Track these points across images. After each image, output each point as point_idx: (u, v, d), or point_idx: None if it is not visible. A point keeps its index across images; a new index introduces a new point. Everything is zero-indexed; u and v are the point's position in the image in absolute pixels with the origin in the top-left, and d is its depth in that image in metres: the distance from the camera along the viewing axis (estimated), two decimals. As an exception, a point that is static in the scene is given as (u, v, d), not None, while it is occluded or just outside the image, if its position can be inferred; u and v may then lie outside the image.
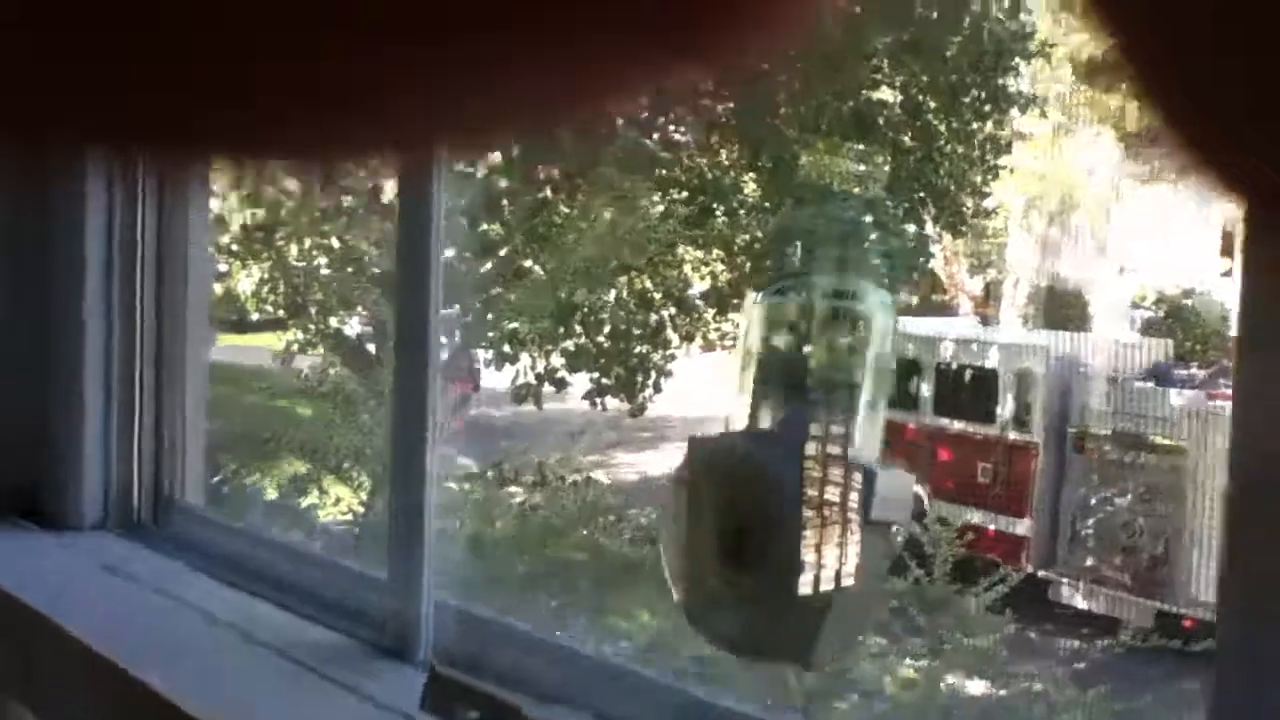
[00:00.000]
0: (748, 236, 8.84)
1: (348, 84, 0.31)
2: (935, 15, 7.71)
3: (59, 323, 2.10)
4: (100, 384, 2.12)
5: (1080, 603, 10.03)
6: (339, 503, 5.45)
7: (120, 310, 2.12)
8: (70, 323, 2.12)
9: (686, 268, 9.17)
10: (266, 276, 7.82)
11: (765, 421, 2.05)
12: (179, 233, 2.14)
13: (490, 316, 8.20)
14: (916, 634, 6.62)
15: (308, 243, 7.77)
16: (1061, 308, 12.19)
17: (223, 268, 7.86)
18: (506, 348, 8.21)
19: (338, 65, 0.31)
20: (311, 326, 8.29)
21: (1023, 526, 10.27)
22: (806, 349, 2.11)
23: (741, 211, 8.60)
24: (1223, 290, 12.01)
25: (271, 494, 5.59)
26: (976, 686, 7.75)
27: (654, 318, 8.56)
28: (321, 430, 5.57)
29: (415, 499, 1.87)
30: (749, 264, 9.11)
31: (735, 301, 9.65)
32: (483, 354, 8.60)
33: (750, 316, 2.12)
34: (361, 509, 5.46)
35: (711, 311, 9.64)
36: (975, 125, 8.81)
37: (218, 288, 7.91)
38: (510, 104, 0.33)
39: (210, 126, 0.33)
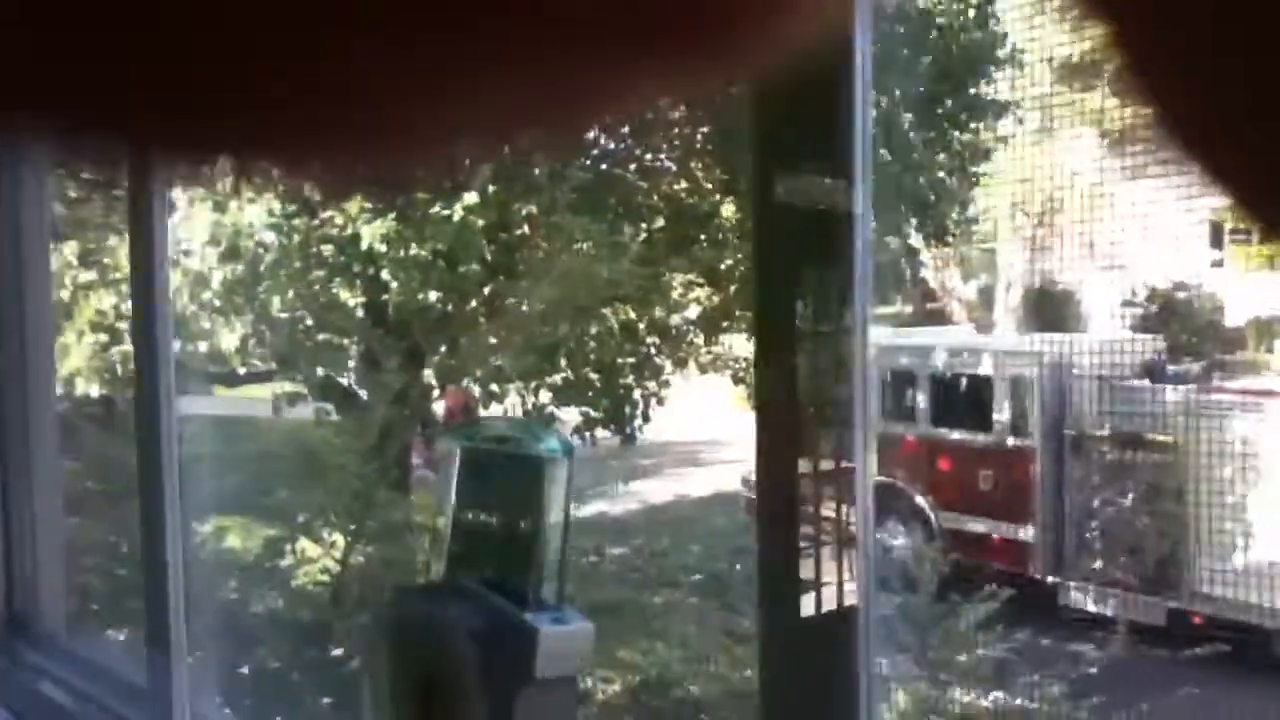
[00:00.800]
0: (731, 260, 8.82)
1: (348, 83, 0.31)
2: (902, 30, 7.70)
3: None
4: None
5: (1091, 606, 9.97)
6: (315, 562, 5.41)
7: None
8: None
9: (674, 294, 9.15)
10: (250, 330, 7.81)
11: (459, 568, 2.06)
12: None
13: (474, 356, 8.18)
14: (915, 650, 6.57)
15: (290, 294, 7.76)
16: (1054, 309, 12.15)
17: (206, 324, 7.84)
18: (494, 386, 8.18)
19: (338, 64, 0.30)
20: (299, 377, 8.28)
21: (1027, 533, 10.22)
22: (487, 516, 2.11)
23: (721, 236, 8.59)
24: (1214, 282, 11.97)
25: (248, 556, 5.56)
26: (989, 699, 7.68)
27: (640, 348, 8.54)
28: (295, 491, 5.55)
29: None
30: (734, 288, 9.09)
31: (725, 324, 9.63)
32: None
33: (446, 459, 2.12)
34: (337, 566, 5.43)
35: (701, 336, 9.62)
36: (953, 134, 8.80)
37: (203, 345, 7.90)
38: (523, 103, 0.33)
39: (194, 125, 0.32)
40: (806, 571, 2.82)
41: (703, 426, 14.39)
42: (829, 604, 2.80)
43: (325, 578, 5.31)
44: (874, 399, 10.43)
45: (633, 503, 12.47)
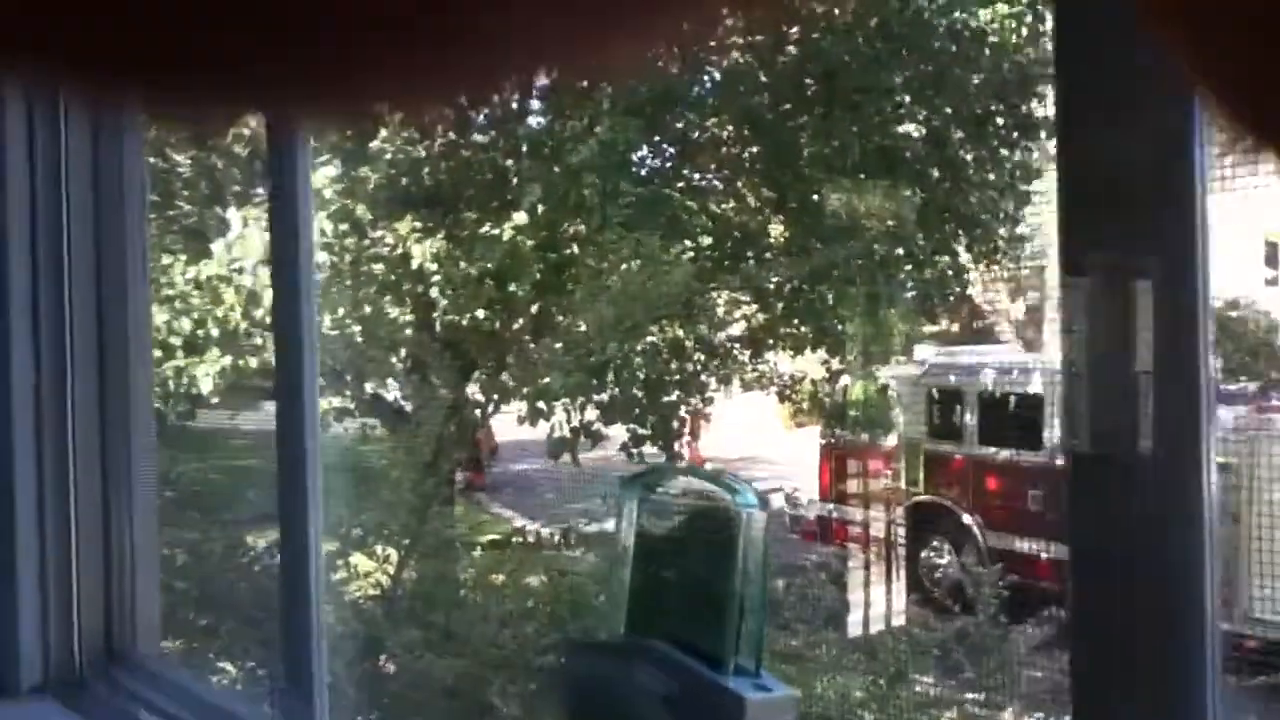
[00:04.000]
0: (778, 278, 8.81)
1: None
2: (954, 48, 7.67)
3: None
4: (32, 518, 1.78)
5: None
6: (367, 576, 5.43)
7: (51, 419, 1.83)
8: None
9: (720, 311, 9.15)
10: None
11: (640, 625, 1.95)
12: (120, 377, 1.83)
13: (521, 373, 8.21)
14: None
15: (340, 312, 7.83)
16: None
17: (258, 340, 7.92)
18: (540, 404, 8.21)
19: None
20: (348, 393, 8.34)
21: (1077, 553, 10.10)
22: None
23: (769, 254, 8.58)
24: (1269, 300, 11.80)
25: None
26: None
27: (687, 366, 8.54)
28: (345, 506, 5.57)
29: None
30: (780, 305, 9.08)
31: (770, 342, 9.62)
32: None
33: (622, 509, 2.02)
34: (389, 581, 5.45)
35: (747, 354, 9.62)
36: (1004, 153, 8.75)
37: (254, 361, 7.98)
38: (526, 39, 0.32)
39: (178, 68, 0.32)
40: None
41: (744, 444, 14.36)
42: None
43: (376, 591, 5.33)
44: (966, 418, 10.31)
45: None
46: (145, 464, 1.76)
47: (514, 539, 7.35)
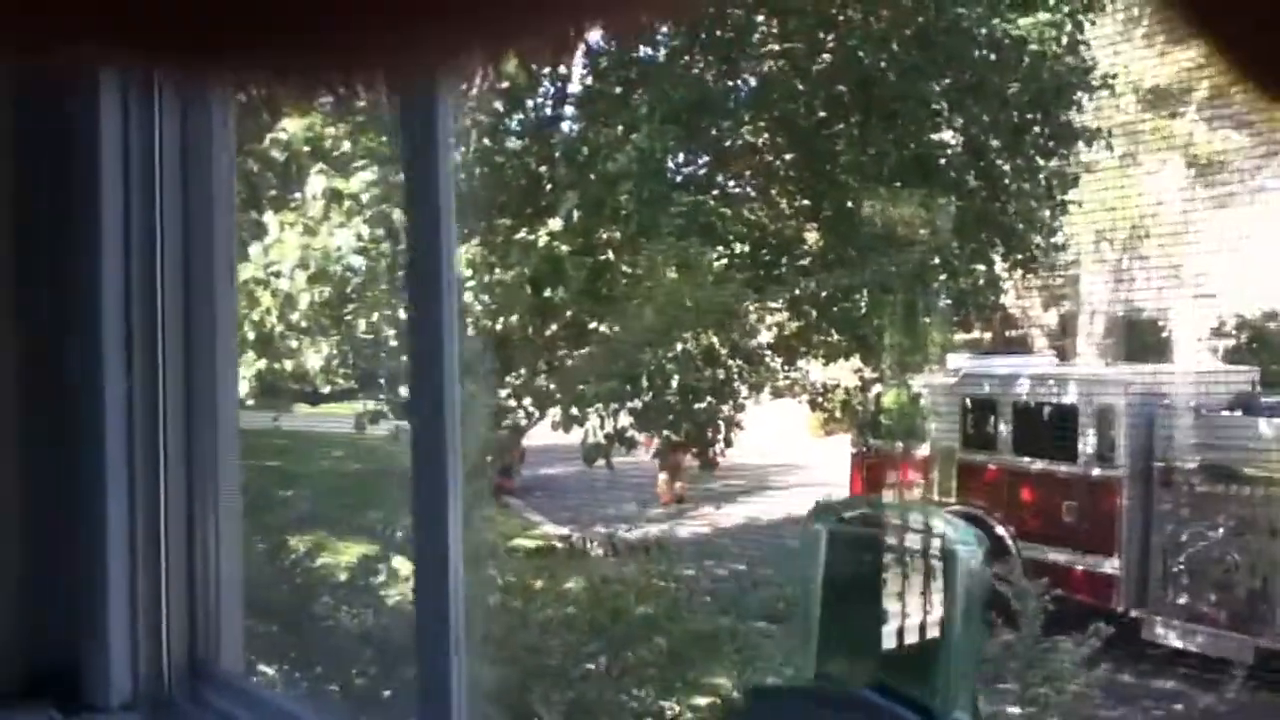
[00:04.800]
0: (812, 285, 8.78)
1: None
2: (994, 56, 7.63)
3: (81, 461, 1.76)
4: (123, 530, 1.74)
5: (1176, 642, 9.74)
6: (408, 580, 5.42)
7: (143, 439, 1.77)
8: (89, 458, 1.75)
9: (751, 318, 9.12)
10: (335, 351, 7.90)
11: (834, 668, 1.86)
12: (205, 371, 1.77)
13: (557, 380, 8.20)
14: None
15: (375, 316, 7.84)
16: (1139, 339, 11.94)
17: (293, 344, 7.95)
18: (574, 410, 8.20)
19: None
20: (381, 396, 8.36)
21: (1111, 565, 10.02)
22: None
23: (802, 262, 8.55)
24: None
25: (341, 575, 5.58)
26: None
27: (720, 373, 8.51)
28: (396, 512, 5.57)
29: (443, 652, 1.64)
30: (815, 313, 9.04)
31: (802, 350, 9.57)
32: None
33: (812, 540, 1.96)
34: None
35: (779, 361, 9.58)
36: (1040, 161, 8.69)
37: (289, 364, 8.01)
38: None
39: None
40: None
41: (774, 450, 14.32)
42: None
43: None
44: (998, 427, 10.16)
45: (702, 525, 12.41)
46: (230, 475, 1.72)
47: (554, 544, 7.32)
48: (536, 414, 8.30)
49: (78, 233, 1.71)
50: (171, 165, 1.66)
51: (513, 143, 8.56)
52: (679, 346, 8.00)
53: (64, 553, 1.77)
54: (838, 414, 10.30)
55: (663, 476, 12.43)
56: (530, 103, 8.85)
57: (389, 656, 4.89)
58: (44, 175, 1.72)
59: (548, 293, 7.66)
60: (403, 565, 5.13)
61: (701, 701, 5.37)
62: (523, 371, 8.54)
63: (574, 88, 8.82)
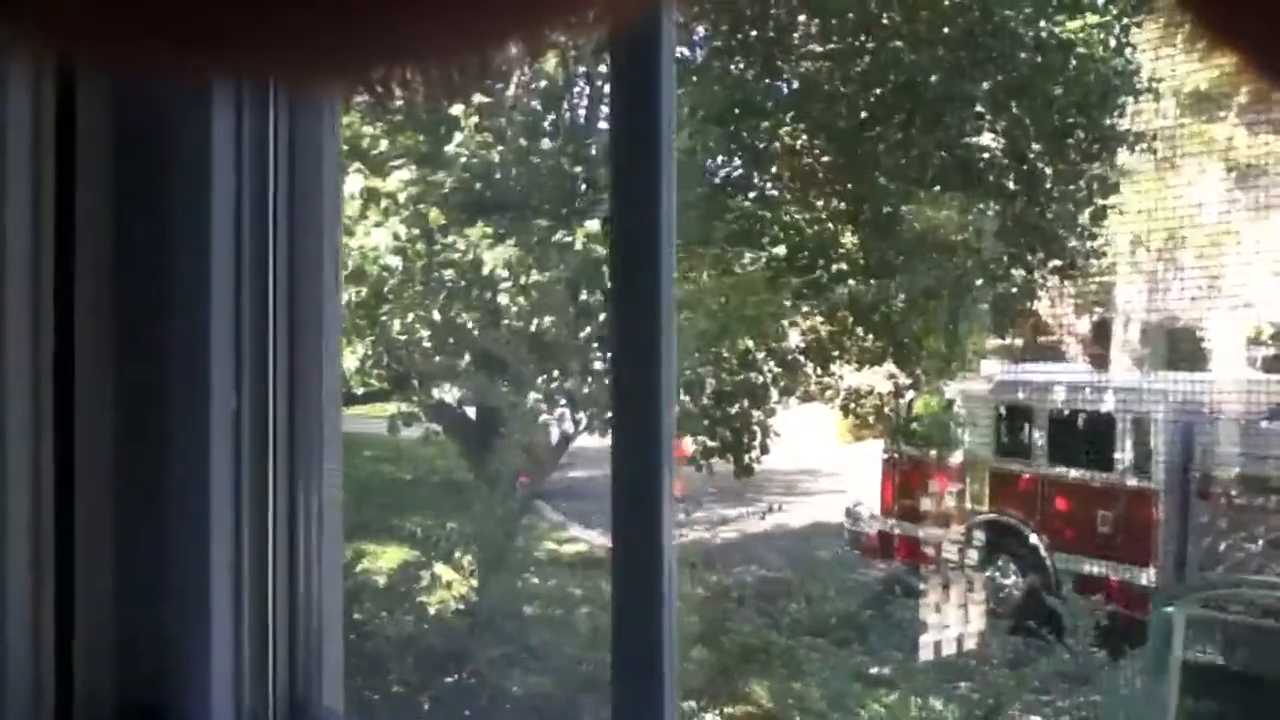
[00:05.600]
0: (850, 289, 8.67)
1: None
2: (1040, 59, 7.50)
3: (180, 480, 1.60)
4: (228, 562, 1.56)
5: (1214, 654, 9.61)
6: (450, 587, 5.33)
7: (250, 471, 1.61)
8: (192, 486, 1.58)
9: (785, 322, 9.02)
10: (369, 352, 7.82)
11: None
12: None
13: (591, 382, 8.11)
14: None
15: (410, 317, 7.75)
16: (1174, 347, 11.78)
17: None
18: (608, 414, 8.10)
19: None
20: (415, 399, 8.28)
21: (1147, 576, 9.87)
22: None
23: (839, 266, 8.44)
24: (1345, 321, 11.52)
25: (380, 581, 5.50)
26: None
27: (757, 377, 8.40)
28: (433, 517, 5.48)
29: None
30: (851, 318, 8.94)
31: (836, 354, 9.46)
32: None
33: (1164, 622, 1.83)
34: (475, 596, 5.34)
35: (812, 365, 9.47)
36: (1083, 166, 8.56)
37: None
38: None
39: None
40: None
41: (802, 456, 14.17)
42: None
43: (461, 605, 5.23)
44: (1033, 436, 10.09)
45: (730, 531, 12.29)
46: (334, 500, 1.57)
47: (595, 552, 7.22)
48: (568, 415, 8.21)
49: (182, 241, 1.59)
50: (283, 174, 1.55)
51: (547, 143, 8.47)
52: (716, 352, 7.91)
53: (160, 585, 1.63)
54: (871, 420, 10.19)
55: None
56: (565, 102, 8.76)
57: (429, 664, 4.80)
58: (144, 186, 1.60)
59: (584, 295, 7.57)
60: (445, 572, 5.04)
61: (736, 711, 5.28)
62: (558, 373, 8.45)
63: (609, 88, 8.72)
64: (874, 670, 5.91)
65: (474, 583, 5.29)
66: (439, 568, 5.05)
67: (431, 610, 5.02)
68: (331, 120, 1.60)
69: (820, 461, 14.13)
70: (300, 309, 1.59)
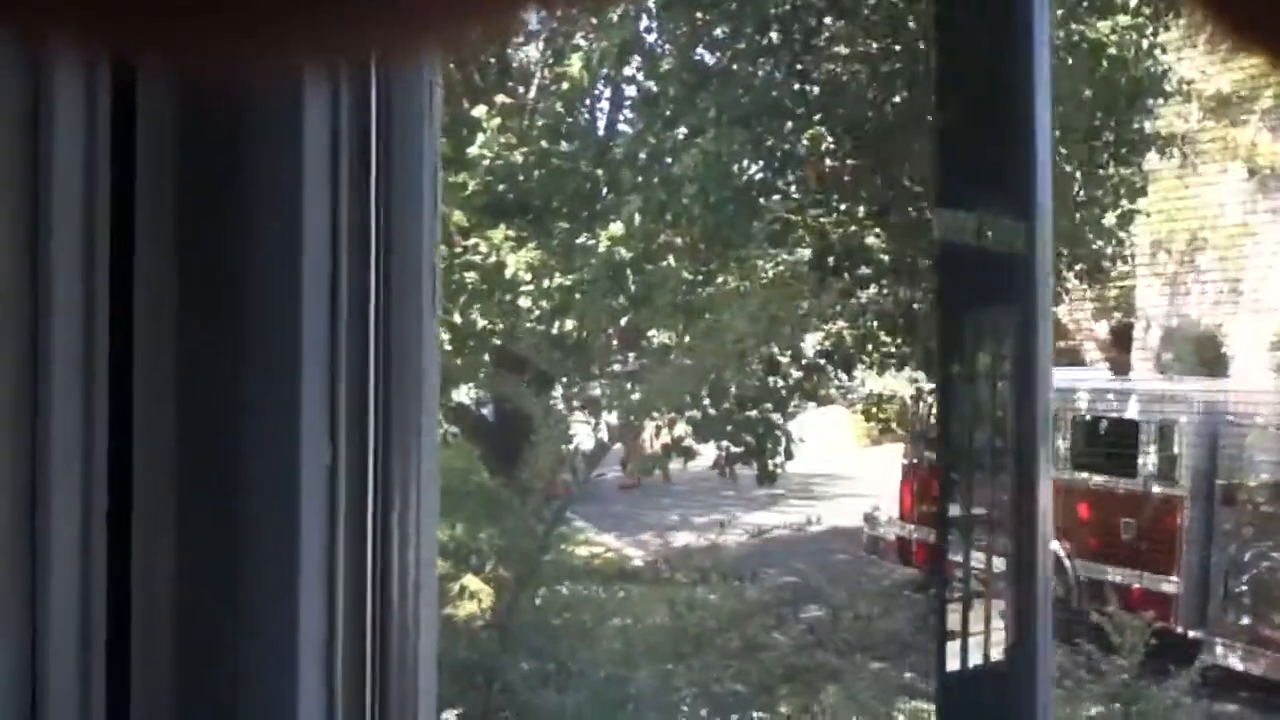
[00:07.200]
0: (872, 292, 8.57)
1: None
2: (1070, 60, 7.40)
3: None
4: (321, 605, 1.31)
5: (1236, 664, 9.49)
6: (475, 599, 5.22)
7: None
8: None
9: (812, 325, 8.91)
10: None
11: None
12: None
13: (612, 387, 8.02)
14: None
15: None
16: (1196, 351, 11.67)
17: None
18: (632, 418, 8.01)
19: None
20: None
21: (1171, 584, 9.77)
22: None
23: (863, 269, 8.33)
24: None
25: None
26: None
27: (780, 381, 8.30)
28: (465, 530, 5.38)
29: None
30: (876, 322, 8.83)
31: (859, 358, 9.35)
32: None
33: None
34: (504, 610, 5.23)
35: (834, 370, 9.37)
36: (1112, 169, 8.45)
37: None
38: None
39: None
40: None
41: (818, 460, 14.07)
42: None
43: (488, 617, 5.13)
44: (1054, 442, 10.01)
45: (743, 535, 12.18)
46: (432, 543, 1.38)
47: (632, 563, 7.12)
48: (590, 421, 8.11)
49: (264, 264, 1.33)
50: (384, 178, 1.37)
51: (567, 145, 8.37)
52: (739, 357, 7.80)
53: (239, 656, 1.40)
54: (893, 424, 10.09)
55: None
56: (587, 104, 8.67)
57: (458, 681, 4.70)
58: (214, 192, 1.40)
59: (606, 299, 7.48)
60: (472, 582, 4.94)
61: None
62: (578, 378, 8.35)
63: (631, 90, 8.64)
64: (908, 676, 5.81)
65: (506, 596, 5.18)
66: (467, 579, 4.96)
67: (457, 623, 4.92)
68: (431, 111, 1.42)
69: (836, 465, 14.03)
70: (398, 344, 1.40)
